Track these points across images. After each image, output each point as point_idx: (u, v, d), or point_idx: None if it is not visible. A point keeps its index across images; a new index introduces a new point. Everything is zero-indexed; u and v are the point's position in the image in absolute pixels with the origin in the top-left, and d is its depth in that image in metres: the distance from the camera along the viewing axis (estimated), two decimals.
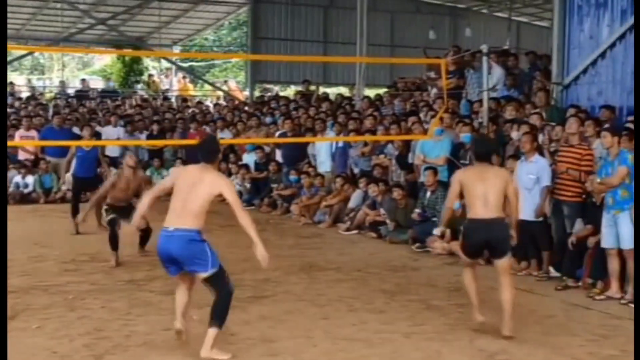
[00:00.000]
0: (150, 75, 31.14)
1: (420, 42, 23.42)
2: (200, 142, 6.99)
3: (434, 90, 16.43)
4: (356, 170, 14.96)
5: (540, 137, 10.91)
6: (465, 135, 12.20)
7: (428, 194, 12.18)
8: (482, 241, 7.21)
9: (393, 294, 8.66)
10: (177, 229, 6.33)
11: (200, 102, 25.56)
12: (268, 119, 19.06)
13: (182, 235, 6.32)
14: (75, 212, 13.00)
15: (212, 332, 6.27)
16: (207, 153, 6.66)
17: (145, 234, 10.65)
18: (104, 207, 10.80)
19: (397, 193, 12.74)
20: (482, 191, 7.11)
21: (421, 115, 14.39)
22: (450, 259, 10.89)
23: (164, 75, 30.97)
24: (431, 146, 12.64)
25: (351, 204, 13.98)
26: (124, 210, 10.43)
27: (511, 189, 7.29)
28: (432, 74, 17.09)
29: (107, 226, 10.61)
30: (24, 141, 17.95)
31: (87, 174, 13.60)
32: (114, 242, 10.40)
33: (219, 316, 6.31)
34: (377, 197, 13.22)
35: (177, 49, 31.09)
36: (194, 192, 6.40)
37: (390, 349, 6.68)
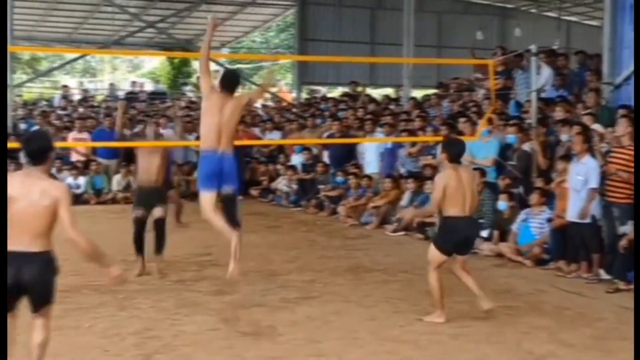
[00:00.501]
0: (198, 77, 31.36)
1: (468, 43, 23.26)
2: None
3: (482, 91, 16.32)
4: (402, 171, 14.93)
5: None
6: (510, 137, 12.13)
7: None
8: (463, 238, 7.55)
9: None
10: (224, 152, 7.51)
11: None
12: (318, 120, 19.09)
13: (230, 158, 7.58)
14: None
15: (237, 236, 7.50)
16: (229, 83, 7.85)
17: (160, 230, 9.76)
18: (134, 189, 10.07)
19: None
20: (461, 191, 7.44)
21: (470, 116, 14.31)
22: (497, 260, 10.85)
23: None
24: (479, 147, 12.57)
25: (403, 202, 13.92)
26: (153, 195, 9.71)
27: (475, 187, 7.75)
28: (480, 75, 16.99)
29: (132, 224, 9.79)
30: (69, 142, 18.24)
31: None
32: (138, 243, 9.73)
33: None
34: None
35: (225, 51, 31.31)
36: (227, 118, 7.51)
37: (437, 350, 6.66)
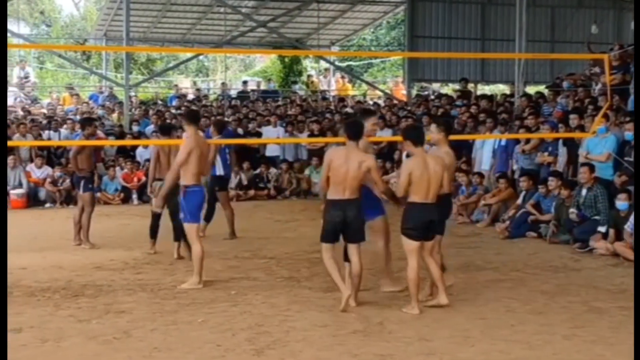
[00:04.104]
0: (309, 76, 31.64)
1: (582, 38, 22.75)
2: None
3: (599, 86, 15.93)
4: (515, 167, 14.70)
5: None
6: (628, 134, 11.78)
7: (584, 191, 11.74)
8: (340, 219, 7.65)
9: (553, 295, 8.46)
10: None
11: (359, 102, 25.74)
12: None
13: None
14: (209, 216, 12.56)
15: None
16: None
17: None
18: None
19: (565, 192, 12.37)
20: (344, 171, 7.61)
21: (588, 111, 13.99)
22: (613, 260, 10.56)
23: (322, 76, 31.40)
24: (595, 143, 12.29)
25: (519, 200, 13.67)
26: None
27: (374, 173, 7.82)
28: (597, 69, 16.59)
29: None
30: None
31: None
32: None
33: None
34: (555, 191, 12.70)
35: (335, 49, 31.45)
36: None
37: (550, 351, 6.53)
